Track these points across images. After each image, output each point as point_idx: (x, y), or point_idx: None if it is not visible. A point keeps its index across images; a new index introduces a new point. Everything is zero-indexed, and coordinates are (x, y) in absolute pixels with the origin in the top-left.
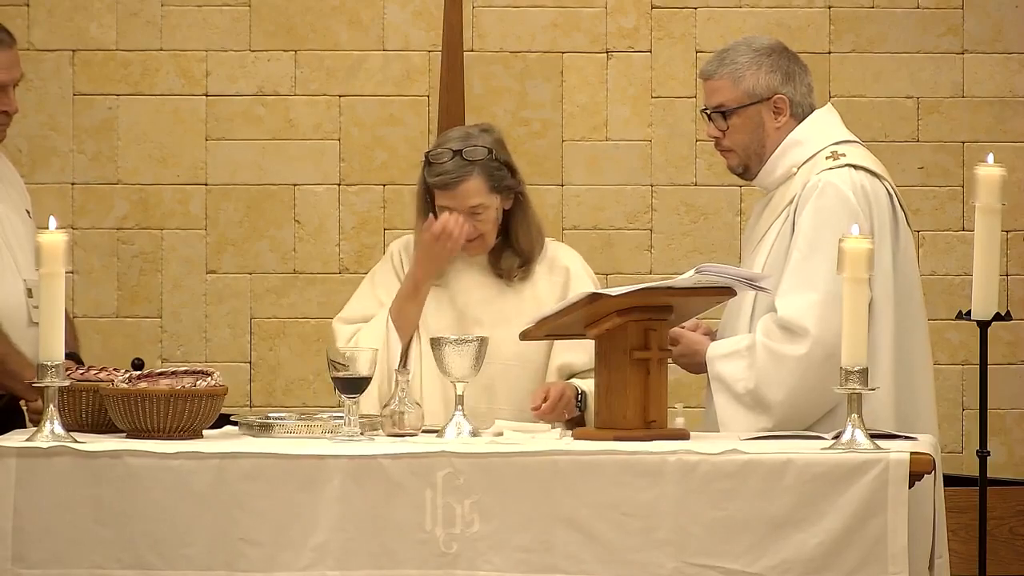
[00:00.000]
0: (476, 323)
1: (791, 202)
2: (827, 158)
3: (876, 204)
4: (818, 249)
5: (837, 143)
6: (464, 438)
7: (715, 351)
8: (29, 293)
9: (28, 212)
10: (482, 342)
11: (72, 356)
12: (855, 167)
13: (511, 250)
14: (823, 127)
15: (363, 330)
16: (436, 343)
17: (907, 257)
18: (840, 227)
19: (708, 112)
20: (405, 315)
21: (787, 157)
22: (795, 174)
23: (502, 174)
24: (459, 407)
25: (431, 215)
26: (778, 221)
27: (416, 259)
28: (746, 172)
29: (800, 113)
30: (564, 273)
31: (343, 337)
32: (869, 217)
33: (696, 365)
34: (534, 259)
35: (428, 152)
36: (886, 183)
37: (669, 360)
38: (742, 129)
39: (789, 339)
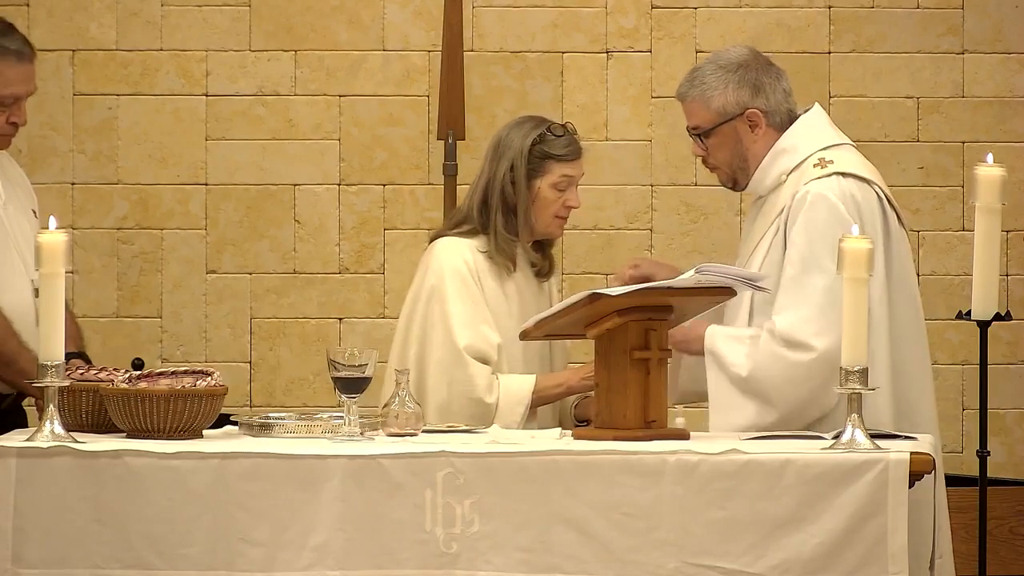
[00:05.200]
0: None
1: (781, 212)
2: (815, 166)
3: (867, 211)
4: (812, 263)
5: (824, 148)
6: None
7: (719, 329)
8: (37, 293)
9: (34, 212)
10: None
11: (81, 355)
12: (843, 175)
13: (545, 250)
14: (810, 132)
15: (503, 389)
16: None
17: (902, 259)
18: (832, 240)
19: (690, 133)
20: (541, 401)
21: (776, 165)
22: (784, 181)
23: None
24: None
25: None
26: (770, 231)
27: (581, 374)
28: (736, 185)
29: (778, 122)
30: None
31: (483, 376)
32: (860, 225)
33: (687, 343)
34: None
35: (549, 126)
36: (876, 187)
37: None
38: (721, 147)
39: (791, 348)
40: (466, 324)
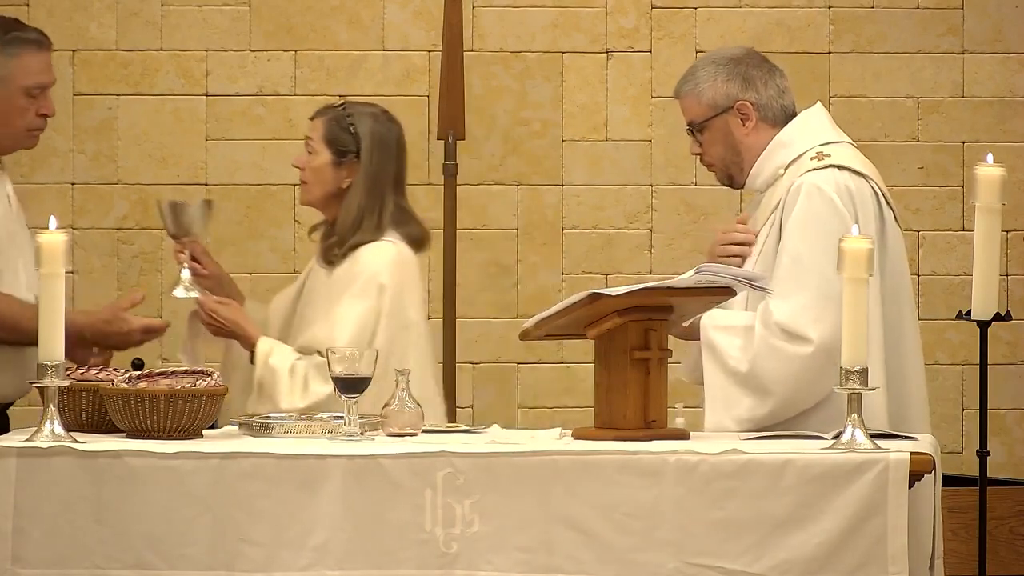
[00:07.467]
0: (302, 320)
1: (777, 206)
2: (812, 159)
3: (861, 204)
4: (806, 255)
5: (823, 144)
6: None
7: (712, 319)
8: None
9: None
10: (208, 203)
11: None
12: (839, 167)
13: (333, 231)
14: (810, 128)
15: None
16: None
17: (896, 256)
18: (826, 229)
19: (688, 130)
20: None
21: (773, 159)
22: (782, 175)
23: (344, 137)
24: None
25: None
26: (766, 225)
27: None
28: (732, 182)
29: (771, 117)
30: (358, 273)
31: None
32: (855, 217)
33: (684, 330)
34: (343, 244)
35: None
36: (872, 183)
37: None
38: (715, 142)
39: (790, 341)
40: None
